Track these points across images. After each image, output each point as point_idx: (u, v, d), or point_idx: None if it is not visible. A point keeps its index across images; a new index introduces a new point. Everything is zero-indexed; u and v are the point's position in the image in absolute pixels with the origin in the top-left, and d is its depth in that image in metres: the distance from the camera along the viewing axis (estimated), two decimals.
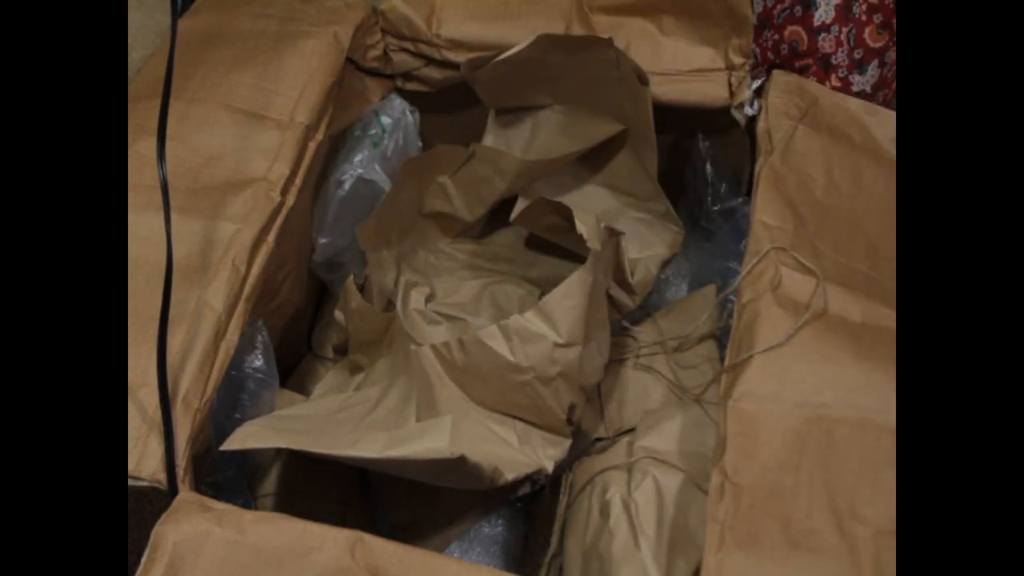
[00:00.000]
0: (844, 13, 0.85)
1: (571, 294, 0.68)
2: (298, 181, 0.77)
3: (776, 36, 0.87)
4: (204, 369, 0.62)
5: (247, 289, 0.68)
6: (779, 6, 0.87)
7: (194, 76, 0.81)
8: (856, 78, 0.87)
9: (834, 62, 0.87)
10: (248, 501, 0.71)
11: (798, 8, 0.86)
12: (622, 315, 0.83)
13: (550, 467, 0.70)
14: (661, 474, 0.68)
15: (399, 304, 0.90)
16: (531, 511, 0.85)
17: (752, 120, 0.86)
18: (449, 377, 0.70)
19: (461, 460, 0.62)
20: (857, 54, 0.86)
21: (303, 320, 0.95)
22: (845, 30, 0.85)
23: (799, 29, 0.86)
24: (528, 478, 0.71)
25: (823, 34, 0.85)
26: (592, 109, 0.88)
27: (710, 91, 0.87)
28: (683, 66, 0.88)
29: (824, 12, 0.85)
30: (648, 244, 0.88)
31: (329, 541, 0.51)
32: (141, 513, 0.56)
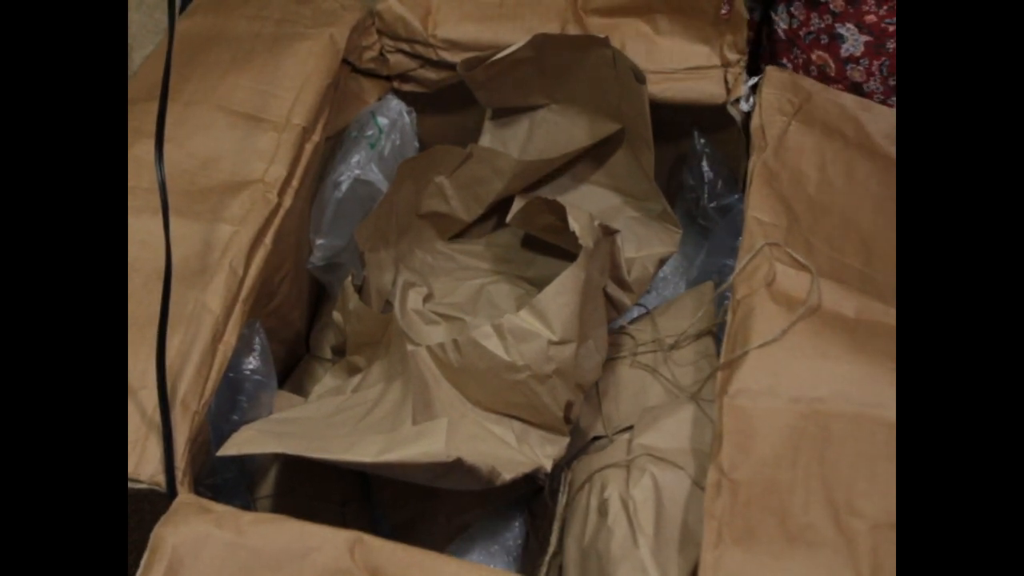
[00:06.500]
0: (875, 49, 0.85)
1: (564, 291, 0.68)
2: (295, 183, 0.77)
3: (805, 56, 0.87)
4: (202, 371, 0.62)
5: (245, 291, 0.68)
6: (804, 29, 0.86)
7: (190, 78, 0.82)
8: (895, 101, 0.87)
9: (867, 89, 0.87)
10: (247, 502, 0.71)
11: (824, 37, 0.85)
12: (619, 313, 0.83)
13: (548, 466, 0.70)
14: (659, 471, 0.68)
15: (397, 304, 0.90)
16: (531, 510, 0.85)
17: (748, 116, 0.86)
18: (445, 378, 0.70)
19: (458, 462, 0.62)
20: (892, 81, 0.85)
21: (301, 321, 0.95)
22: (877, 63, 0.85)
23: (826, 56, 0.86)
24: (527, 477, 0.71)
25: (852, 64, 0.85)
26: (589, 108, 0.88)
27: (706, 88, 0.88)
28: (679, 64, 0.88)
29: (852, 46, 0.85)
30: (645, 243, 0.88)
31: (329, 541, 0.51)
32: (140, 515, 0.57)
